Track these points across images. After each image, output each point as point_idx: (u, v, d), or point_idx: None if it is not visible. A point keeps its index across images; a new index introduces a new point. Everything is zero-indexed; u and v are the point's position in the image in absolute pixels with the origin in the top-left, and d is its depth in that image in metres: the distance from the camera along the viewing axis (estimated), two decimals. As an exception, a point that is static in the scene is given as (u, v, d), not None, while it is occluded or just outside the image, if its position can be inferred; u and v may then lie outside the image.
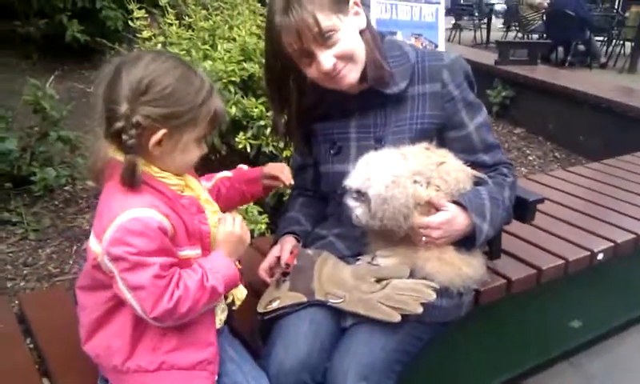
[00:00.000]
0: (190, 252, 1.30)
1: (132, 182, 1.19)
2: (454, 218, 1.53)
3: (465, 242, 1.59)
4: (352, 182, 1.52)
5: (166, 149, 1.24)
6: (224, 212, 1.45)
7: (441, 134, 1.66)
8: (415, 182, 1.50)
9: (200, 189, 1.41)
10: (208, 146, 1.39)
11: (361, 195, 1.51)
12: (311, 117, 1.72)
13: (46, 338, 1.64)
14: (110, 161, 1.24)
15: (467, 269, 1.58)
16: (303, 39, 1.46)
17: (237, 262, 1.40)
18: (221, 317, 1.42)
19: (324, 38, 1.47)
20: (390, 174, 1.48)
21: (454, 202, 1.54)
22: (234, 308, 1.47)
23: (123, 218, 1.17)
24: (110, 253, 1.17)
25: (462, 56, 1.69)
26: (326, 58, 1.49)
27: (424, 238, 1.53)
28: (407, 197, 1.48)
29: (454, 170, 1.56)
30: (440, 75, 1.62)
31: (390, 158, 1.53)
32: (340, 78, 1.54)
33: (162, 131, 1.21)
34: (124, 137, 1.18)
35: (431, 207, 1.52)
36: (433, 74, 1.63)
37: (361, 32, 1.57)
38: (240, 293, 1.47)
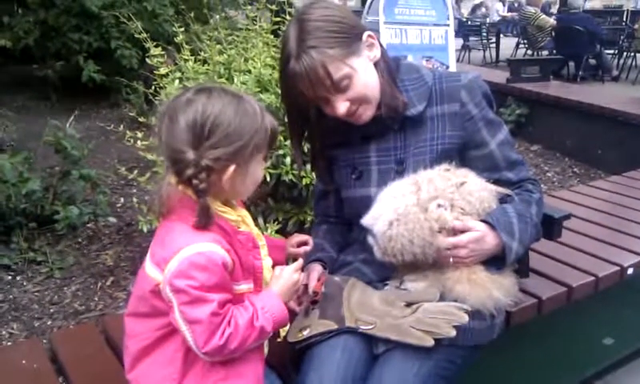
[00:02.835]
0: (244, 287, 1.32)
1: (206, 223, 1.22)
2: (483, 237, 1.52)
3: (495, 262, 1.57)
4: (364, 220, 1.55)
5: (238, 181, 1.27)
6: None
7: (462, 153, 1.66)
8: (439, 206, 1.50)
9: (252, 223, 1.44)
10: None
11: (372, 233, 1.53)
12: (332, 143, 1.73)
13: (78, 375, 1.64)
14: (175, 194, 1.25)
15: (498, 290, 1.56)
16: (316, 88, 1.49)
17: None
18: (265, 350, 1.43)
19: (337, 87, 1.50)
20: (395, 212, 1.49)
21: (482, 221, 1.53)
22: (278, 340, 1.50)
23: (188, 252, 1.19)
24: (172, 284, 1.19)
25: (480, 76, 1.70)
26: (340, 104, 1.52)
27: (452, 259, 1.51)
28: (421, 230, 1.48)
29: (476, 190, 1.55)
30: (458, 95, 1.63)
31: (398, 192, 1.54)
32: (355, 118, 1.58)
33: (233, 167, 1.23)
34: (195, 182, 1.20)
35: (457, 230, 1.51)
36: (451, 95, 1.64)
37: (376, 63, 1.59)
38: (284, 329, 1.49)
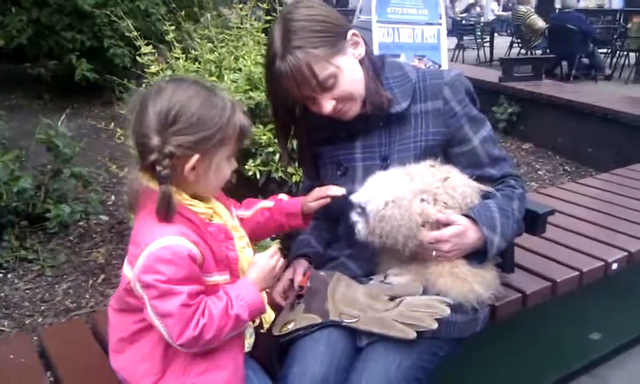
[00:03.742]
0: (218, 278, 1.33)
1: (167, 212, 1.23)
2: (465, 231, 1.54)
3: (477, 256, 1.59)
4: (356, 196, 1.54)
5: (201, 172, 1.28)
6: (258, 239, 1.46)
7: (445, 150, 1.68)
8: (422, 200, 1.52)
9: (227, 215, 1.44)
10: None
11: (363, 210, 1.53)
12: (318, 140, 1.75)
13: (66, 370, 1.66)
14: (144, 190, 1.28)
15: (480, 284, 1.58)
16: (302, 88, 1.51)
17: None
18: (249, 341, 1.45)
19: (323, 86, 1.52)
20: (392, 194, 1.50)
21: (464, 216, 1.55)
22: (262, 330, 1.50)
23: (154, 247, 1.21)
24: (141, 280, 1.21)
25: (462, 73, 1.72)
26: (326, 102, 1.55)
27: (434, 253, 1.53)
28: (409, 219, 1.49)
29: (459, 185, 1.57)
30: (441, 93, 1.65)
31: (396, 178, 1.55)
32: (341, 115, 1.60)
33: (196, 157, 1.25)
34: (158, 168, 1.22)
35: (440, 224, 1.53)
36: (434, 92, 1.66)
37: (360, 60, 1.61)
38: (268, 316, 1.50)
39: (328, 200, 1.64)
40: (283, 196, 1.66)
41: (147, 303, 1.22)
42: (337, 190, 1.61)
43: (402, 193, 1.51)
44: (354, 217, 1.56)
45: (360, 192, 1.54)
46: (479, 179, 1.66)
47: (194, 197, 1.34)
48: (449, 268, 1.55)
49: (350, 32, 1.57)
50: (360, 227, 1.54)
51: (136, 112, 1.26)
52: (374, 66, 1.65)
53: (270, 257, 1.39)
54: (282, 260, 1.42)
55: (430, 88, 1.67)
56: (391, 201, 1.49)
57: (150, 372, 1.30)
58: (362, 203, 1.52)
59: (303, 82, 1.50)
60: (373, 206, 1.50)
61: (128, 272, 1.27)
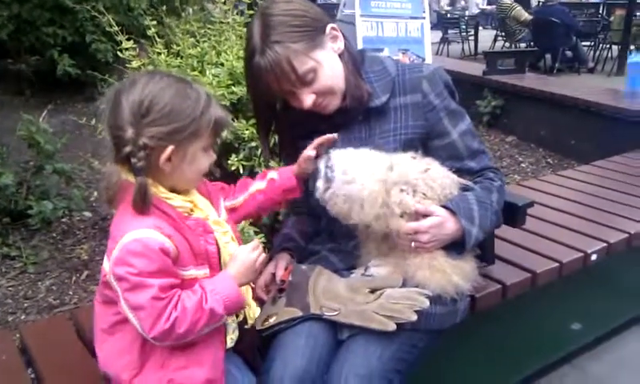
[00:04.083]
0: (195, 272, 1.33)
1: (143, 204, 1.24)
2: (444, 223, 1.55)
3: (455, 247, 1.61)
4: (335, 158, 1.53)
5: (176, 163, 1.29)
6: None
7: (425, 144, 1.70)
8: (402, 190, 1.53)
9: (210, 209, 1.44)
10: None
11: (327, 181, 1.52)
12: (299, 135, 1.75)
13: (47, 367, 1.65)
14: (122, 183, 1.29)
15: (458, 276, 1.60)
16: (281, 82, 1.52)
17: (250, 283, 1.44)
18: (232, 336, 1.44)
19: (302, 81, 1.53)
20: (361, 175, 1.50)
21: (443, 207, 1.57)
22: (246, 327, 1.50)
23: (126, 239, 1.22)
24: (114, 273, 1.22)
25: (441, 67, 1.74)
26: (306, 97, 1.56)
27: (413, 244, 1.55)
28: (369, 206, 1.50)
29: (439, 177, 1.59)
30: (420, 86, 1.67)
31: (376, 164, 1.55)
32: (321, 109, 1.61)
33: (170, 148, 1.26)
34: (133, 160, 1.23)
35: (419, 215, 1.55)
36: (413, 86, 1.67)
37: (340, 54, 1.62)
38: (252, 312, 1.50)
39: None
40: (273, 174, 1.64)
41: (120, 296, 1.23)
42: (328, 137, 1.59)
43: (370, 183, 1.51)
44: (322, 168, 1.54)
45: (342, 154, 1.54)
46: (459, 172, 1.67)
47: (173, 190, 1.34)
48: (427, 260, 1.56)
49: (329, 26, 1.58)
50: (319, 185, 1.53)
51: (110, 105, 1.27)
52: (354, 59, 1.66)
53: (252, 250, 1.39)
54: (263, 254, 1.42)
55: (409, 82, 1.68)
56: (359, 189, 1.50)
57: (129, 366, 1.30)
58: (333, 167, 1.51)
59: (283, 77, 1.50)
60: (339, 175, 1.50)
61: (105, 265, 1.28)
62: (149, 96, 1.24)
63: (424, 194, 1.54)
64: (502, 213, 1.78)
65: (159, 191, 1.30)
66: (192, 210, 1.37)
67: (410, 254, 1.57)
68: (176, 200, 1.33)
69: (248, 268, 1.38)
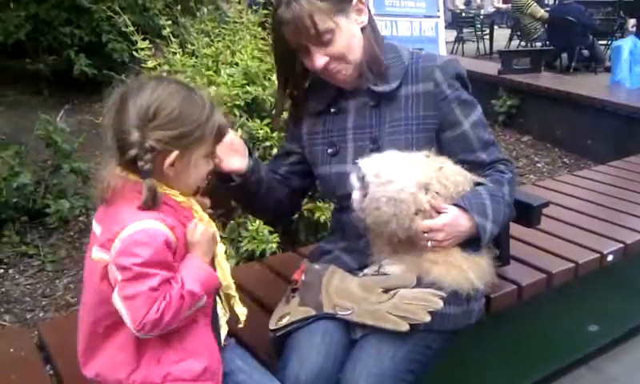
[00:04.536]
0: None
1: (153, 205, 1.25)
2: (456, 220, 1.55)
3: (472, 244, 1.61)
4: (365, 163, 1.54)
5: (179, 168, 1.30)
6: None
7: (438, 136, 1.69)
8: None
9: (202, 212, 1.44)
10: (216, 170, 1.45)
11: (364, 181, 1.53)
12: (310, 112, 1.77)
13: (65, 363, 1.66)
14: (123, 183, 1.28)
15: (475, 272, 1.59)
16: (300, 36, 1.55)
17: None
18: (223, 332, 1.46)
19: (320, 39, 1.55)
20: (401, 182, 1.50)
21: (455, 205, 1.57)
22: (240, 325, 1.50)
23: (131, 229, 1.22)
24: (117, 263, 1.22)
25: (457, 59, 1.74)
26: (319, 57, 1.58)
27: (429, 243, 1.55)
28: (406, 210, 1.50)
29: (452, 174, 1.59)
30: (432, 75, 1.66)
31: (408, 166, 1.55)
32: (332, 75, 1.63)
33: (175, 153, 1.27)
34: (140, 163, 1.23)
35: (433, 211, 1.54)
36: (426, 74, 1.67)
37: (363, 28, 1.64)
38: (241, 312, 1.50)
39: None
40: None
41: (118, 285, 1.23)
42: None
43: (408, 183, 1.51)
44: (354, 181, 1.55)
45: (371, 161, 1.54)
46: (470, 164, 1.67)
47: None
48: (443, 256, 1.56)
49: None
50: (356, 196, 1.55)
51: (116, 107, 1.28)
52: (376, 35, 1.69)
53: (204, 228, 1.37)
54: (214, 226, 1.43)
55: (421, 70, 1.68)
56: (398, 189, 1.50)
57: (125, 363, 1.30)
58: (367, 176, 1.51)
59: (303, 31, 1.53)
60: (376, 185, 1.50)
61: (102, 256, 1.26)
62: (157, 100, 1.26)
63: (437, 193, 1.54)
64: (517, 213, 1.77)
65: (164, 189, 1.31)
66: (191, 207, 1.39)
67: (426, 251, 1.56)
68: (177, 197, 1.34)
69: (208, 242, 1.37)
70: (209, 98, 1.36)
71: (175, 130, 1.26)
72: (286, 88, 1.75)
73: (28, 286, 2.93)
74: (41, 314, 2.71)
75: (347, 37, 1.59)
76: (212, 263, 1.41)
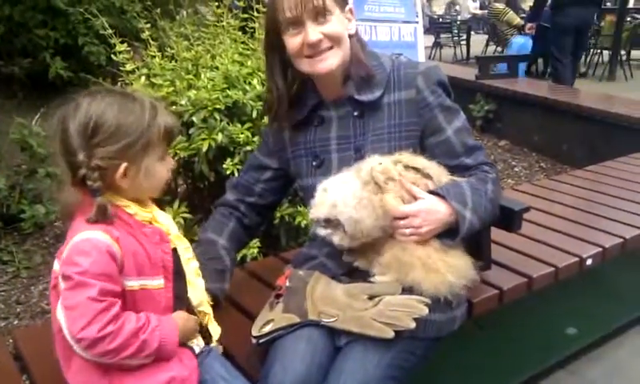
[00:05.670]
0: (150, 282, 1.32)
1: (104, 220, 1.25)
2: (433, 206, 1.55)
3: (451, 235, 1.59)
4: (317, 212, 1.55)
5: (133, 178, 1.30)
6: None
7: (422, 142, 1.70)
8: (380, 164, 1.56)
9: (170, 224, 1.44)
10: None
11: (330, 223, 1.54)
12: (291, 123, 1.76)
13: (41, 372, 1.63)
14: (80, 199, 1.29)
15: (453, 275, 1.58)
16: (303, 7, 1.55)
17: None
18: (198, 342, 1.45)
19: (318, 13, 1.56)
20: (353, 196, 1.52)
21: (432, 193, 1.57)
22: (212, 345, 1.49)
23: (76, 239, 1.23)
24: (62, 273, 1.22)
25: (438, 66, 1.75)
26: (314, 31, 1.58)
27: (407, 231, 1.54)
28: (376, 213, 1.51)
29: (417, 158, 1.61)
30: (414, 82, 1.67)
31: (346, 179, 1.57)
32: (320, 60, 1.62)
33: (124, 165, 1.27)
34: (89, 183, 1.24)
35: (404, 191, 1.56)
36: (408, 81, 1.68)
37: (350, 36, 1.65)
38: (215, 331, 1.50)
39: None
40: None
41: (61, 295, 1.22)
42: None
43: (360, 192, 1.53)
44: (322, 232, 1.56)
45: (318, 207, 1.55)
46: (455, 168, 1.67)
47: (134, 201, 1.35)
48: (423, 259, 1.55)
49: (349, 6, 1.64)
50: (337, 239, 1.55)
51: (59, 133, 1.28)
52: (362, 43, 1.71)
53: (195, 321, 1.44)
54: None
55: (404, 78, 1.69)
56: (357, 203, 1.51)
57: (92, 375, 1.27)
58: (331, 217, 1.53)
59: (307, 3, 1.54)
60: (345, 215, 1.51)
61: (56, 267, 1.28)
62: (93, 117, 1.25)
63: (405, 165, 1.56)
64: (499, 217, 1.78)
65: (120, 201, 1.31)
66: (151, 222, 1.37)
67: (408, 245, 1.56)
68: (133, 208, 1.33)
69: (191, 330, 1.42)
70: (150, 101, 1.34)
71: (118, 143, 1.25)
72: (275, 71, 1.71)
73: (2, 293, 2.87)
74: (15, 322, 2.65)
75: (340, 27, 1.61)
76: (185, 281, 1.43)
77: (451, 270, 1.59)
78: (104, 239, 1.23)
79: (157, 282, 1.33)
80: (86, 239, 1.22)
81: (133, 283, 1.29)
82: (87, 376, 1.28)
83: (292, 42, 1.61)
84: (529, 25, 9.32)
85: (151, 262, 1.31)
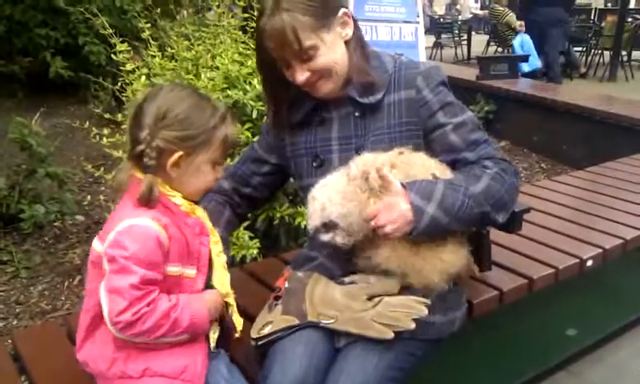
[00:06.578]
0: (184, 270, 1.38)
1: (149, 199, 1.31)
2: (395, 201, 1.49)
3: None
4: (312, 222, 1.54)
5: (183, 170, 1.37)
6: None
7: (425, 140, 1.66)
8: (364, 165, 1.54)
9: (205, 218, 1.50)
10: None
11: (327, 226, 1.52)
12: (292, 123, 1.74)
13: (40, 374, 1.62)
14: (130, 177, 1.37)
15: (435, 270, 1.56)
16: (283, 50, 1.53)
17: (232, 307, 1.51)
18: (213, 336, 1.47)
19: (303, 55, 1.53)
20: (337, 192, 1.52)
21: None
22: (237, 335, 1.52)
23: (125, 224, 1.29)
24: (107, 253, 1.28)
25: (440, 66, 1.73)
26: (301, 72, 1.56)
27: (378, 231, 1.50)
28: (362, 205, 1.50)
29: (417, 162, 1.58)
30: (415, 82, 1.65)
31: (331, 180, 1.56)
32: (313, 89, 1.62)
33: (179, 153, 1.34)
34: (145, 159, 1.32)
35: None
36: (408, 81, 1.65)
37: (347, 41, 1.61)
38: (238, 321, 1.52)
39: None
40: None
41: (105, 277, 1.27)
42: None
43: (342, 184, 1.53)
44: (326, 238, 1.54)
45: (312, 217, 1.54)
46: (456, 163, 1.63)
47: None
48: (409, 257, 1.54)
49: (342, 10, 1.58)
50: (339, 240, 1.54)
51: (134, 109, 1.37)
52: (363, 48, 1.66)
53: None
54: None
55: (404, 78, 1.66)
56: (341, 198, 1.50)
57: (106, 355, 1.34)
58: (325, 220, 1.51)
59: (284, 45, 1.51)
60: (335, 213, 1.50)
61: (98, 246, 1.33)
62: (168, 103, 1.35)
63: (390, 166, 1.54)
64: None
65: (166, 190, 1.37)
66: (192, 212, 1.43)
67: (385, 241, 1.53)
68: (179, 199, 1.39)
69: (219, 304, 1.47)
70: (223, 109, 1.43)
71: (180, 131, 1.34)
72: (272, 93, 1.72)
73: (1, 293, 2.86)
74: (14, 322, 2.65)
75: (330, 52, 1.56)
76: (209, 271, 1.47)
77: (428, 266, 1.55)
78: (154, 226, 1.29)
79: (190, 272, 1.40)
80: (136, 225, 1.29)
81: (175, 269, 1.36)
82: (96, 357, 1.35)
83: (286, 74, 1.60)
84: (519, 22, 9.38)
85: (189, 250, 1.38)
